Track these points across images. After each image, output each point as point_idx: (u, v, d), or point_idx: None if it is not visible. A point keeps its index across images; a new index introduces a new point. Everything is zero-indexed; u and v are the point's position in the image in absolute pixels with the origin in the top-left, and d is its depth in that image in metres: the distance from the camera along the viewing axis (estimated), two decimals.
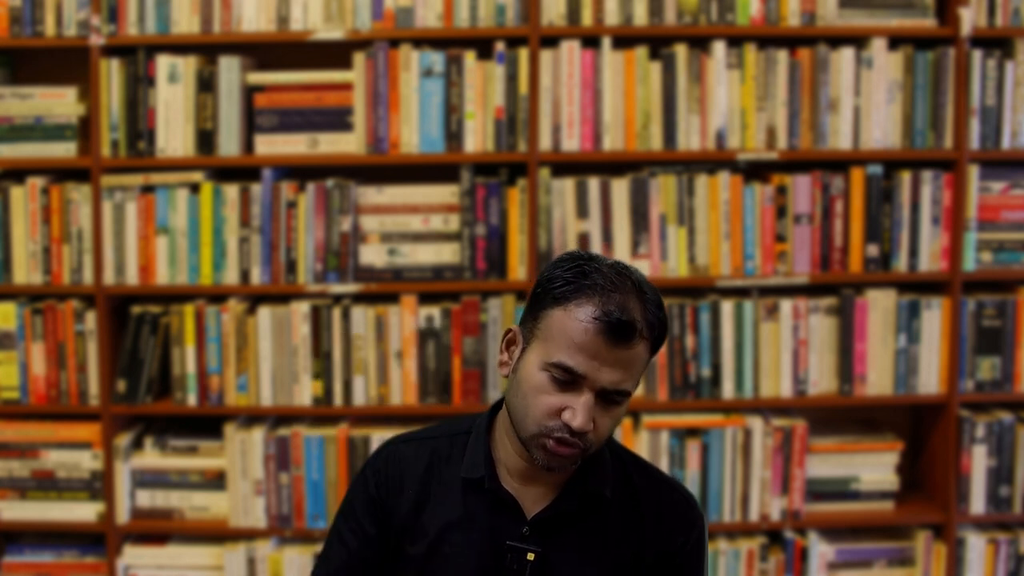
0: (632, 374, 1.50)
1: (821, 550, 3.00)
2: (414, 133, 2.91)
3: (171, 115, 2.91)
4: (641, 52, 2.90)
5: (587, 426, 1.47)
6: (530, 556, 1.56)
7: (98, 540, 3.04)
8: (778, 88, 2.92)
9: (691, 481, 2.95)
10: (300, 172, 3.03)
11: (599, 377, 1.47)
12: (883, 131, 2.94)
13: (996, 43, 2.97)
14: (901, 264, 2.96)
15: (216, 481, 2.98)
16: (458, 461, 1.62)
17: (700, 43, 2.93)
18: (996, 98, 2.93)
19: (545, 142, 2.90)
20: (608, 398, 1.49)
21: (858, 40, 2.95)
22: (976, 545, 3.02)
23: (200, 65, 2.91)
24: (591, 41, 2.91)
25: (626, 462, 1.66)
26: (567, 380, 1.48)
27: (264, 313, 2.92)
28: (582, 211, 2.93)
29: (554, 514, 1.58)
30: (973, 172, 2.95)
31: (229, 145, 2.92)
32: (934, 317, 2.97)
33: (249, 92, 2.95)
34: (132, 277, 2.93)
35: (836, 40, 2.94)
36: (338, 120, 2.93)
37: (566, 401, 1.48)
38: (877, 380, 2.97)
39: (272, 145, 2.94)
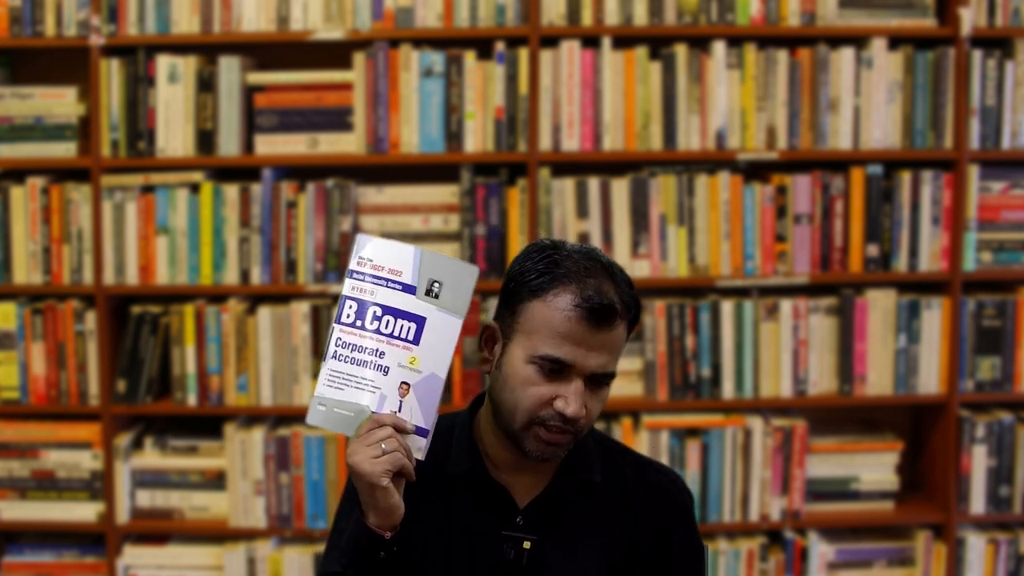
0: (615, 356, 1.53)
1: (821, 550, 3.00)
2: (414, 133, 2.91)
3: (171, 115, 2.91)
4: (641, 52, 2.90)
5: (581, 412, 1.50)
6: (526, 544, 1.57)
7: (98, 540, 3.04)
8: (778, 88, 2.92)
9: (691, 481, 2.95)
10: (300, 172, 3.03)
11: (587, 363, 1.50)
12: (883, 131, 2.94)
13: (996, 43, 2.97)
14: (901, 264, 2.96)
15: (216, 481, 2.98)
16: (444, 458, 1.61)
17: (700, 43, 2.93)
18: (996, 98, 2.93)
19: (545, 142, 2.90)
20: (595, 382, 1.52)
21: (858, 40, 2.95)
22: (976, 545, 3.02)
23: (200, 65, 2.91)
24: (591, 41, 2.91)
25: (611, 449, 1.68)
26: (555, 370, 1.51)
27: (264, 313, 2.92)
28: (582, 211, 2.93)
29: (547, 501, 1.59)
30: (973, 172, 2.95)
31: (229, 145, 2.91)
32: (934, 317, 2.97)
33: (249, 92, 2.95)
34: (132, 277, 2.93)
35: (836, 40, 2.94)
36: (338, 120, 2.93)
37: (557, 390, 1.51)
38: (877, 380, 2.97)
39: (272, 145, 2.94)
